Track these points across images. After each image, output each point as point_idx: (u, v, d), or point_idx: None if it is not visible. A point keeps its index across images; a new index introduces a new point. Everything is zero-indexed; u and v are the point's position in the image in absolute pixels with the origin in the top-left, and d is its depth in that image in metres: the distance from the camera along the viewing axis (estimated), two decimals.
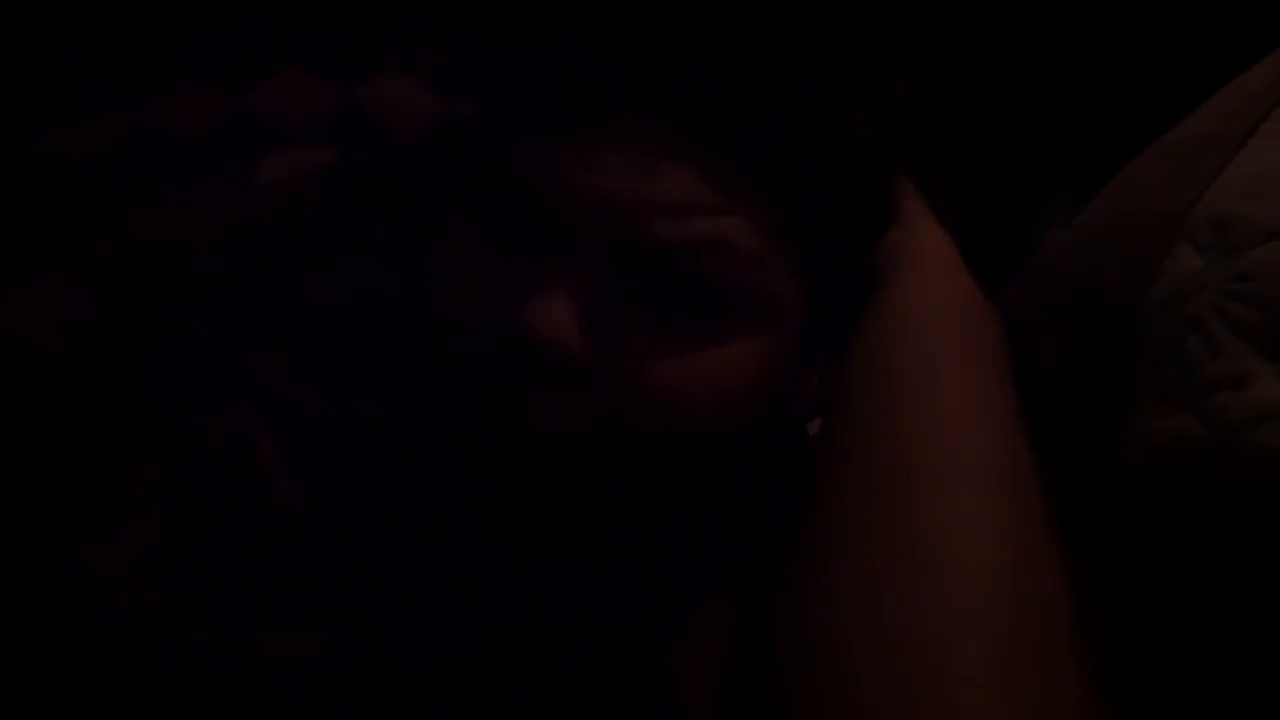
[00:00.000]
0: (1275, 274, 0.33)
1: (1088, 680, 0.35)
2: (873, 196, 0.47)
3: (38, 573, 0.41)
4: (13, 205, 0.47)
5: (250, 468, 0.44)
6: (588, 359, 0.42)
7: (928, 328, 0.42)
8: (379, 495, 0.45)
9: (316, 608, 0.44)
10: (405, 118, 0.53)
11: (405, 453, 0.46)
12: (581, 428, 0.42)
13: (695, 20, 0.44)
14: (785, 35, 0.45)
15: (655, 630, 0.44)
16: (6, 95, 0.50)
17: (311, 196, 0.50)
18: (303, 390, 0.45)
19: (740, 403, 0.44)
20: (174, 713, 0.41)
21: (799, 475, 0.43)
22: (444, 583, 0.45)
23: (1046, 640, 0.35)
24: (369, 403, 0.46)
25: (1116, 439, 0.37)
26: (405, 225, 0.50)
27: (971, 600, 0.34)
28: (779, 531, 0.41)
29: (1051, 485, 0.39)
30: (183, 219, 0.47)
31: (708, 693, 0.40)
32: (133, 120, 0.49)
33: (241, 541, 0.43)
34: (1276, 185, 0.35)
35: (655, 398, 0.42)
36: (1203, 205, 0.36)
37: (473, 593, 0.46)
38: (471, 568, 0.46)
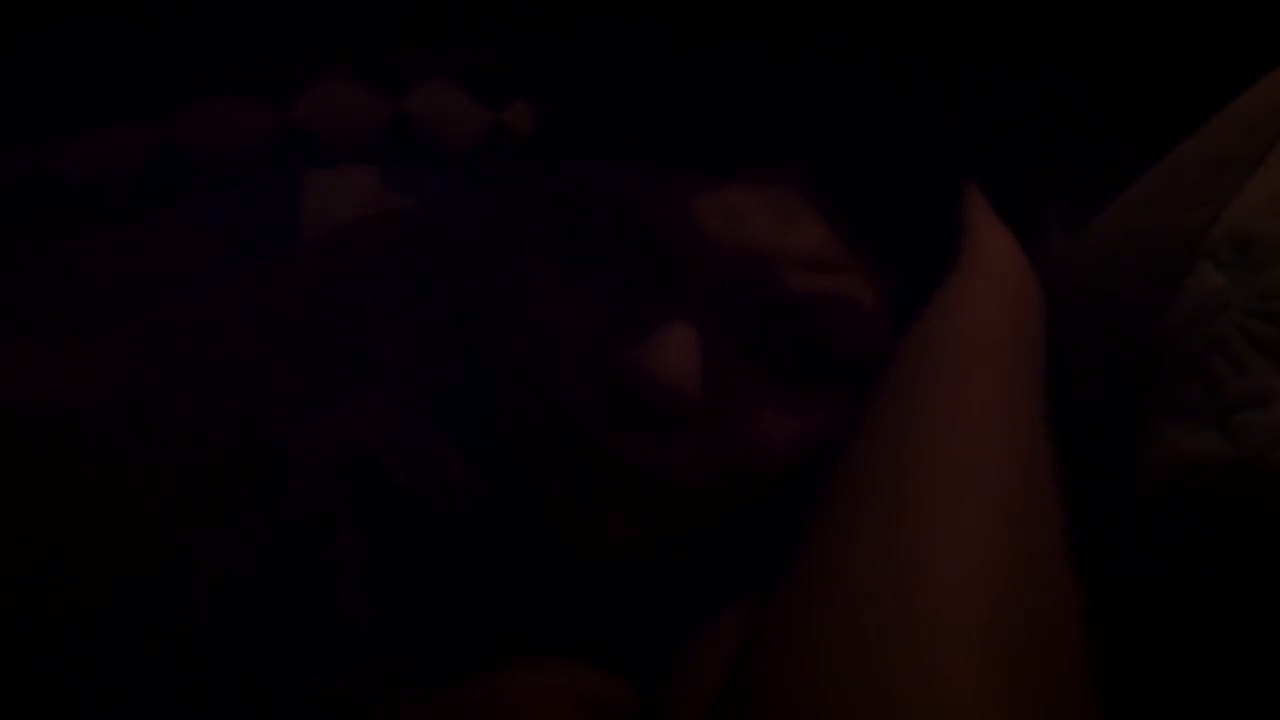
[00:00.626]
0: None
1: (1083, 691, 0.35)
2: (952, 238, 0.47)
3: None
4: (17, 231, 0.43)
5: (325, 553, 0.41)
6: (699, 406, 0.41)
7: (966, 344, 0.42)
8: (448, 577, 0.43)
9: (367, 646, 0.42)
10: (455, 131, 0.51)
11: (484, 514, 0.43)
12: (673, 472, 0.42)
13: (829, 72, 0.44)
14: (907, 87, 0.45)
15: (670, 637, 0.43)
16: (15, 100, 0.45)
17: (368, 247, 0.47)
18: (393, 462, 0.42)
19: (824, 447, 0.43)
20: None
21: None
22: (491, 621, 0.44)
23: (1041, 650, 0.35)
24: (447, 459, 0.44)
25: (1134, 455, 0.37)
26: (475, 265, 0.48)
27: (958, 605, 0.34)
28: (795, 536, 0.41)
29: (1068, 500, 0.39)
30: (219, 267, 0.45)
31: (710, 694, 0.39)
32: (158, 134, 0.46)
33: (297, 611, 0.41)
34: None
35: (753, 448, 0.42)
36: (1222, 223, 0.36)
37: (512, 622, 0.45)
38: (525, 609, 0.44)
